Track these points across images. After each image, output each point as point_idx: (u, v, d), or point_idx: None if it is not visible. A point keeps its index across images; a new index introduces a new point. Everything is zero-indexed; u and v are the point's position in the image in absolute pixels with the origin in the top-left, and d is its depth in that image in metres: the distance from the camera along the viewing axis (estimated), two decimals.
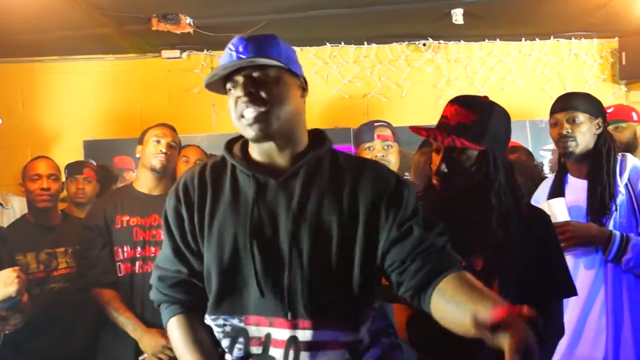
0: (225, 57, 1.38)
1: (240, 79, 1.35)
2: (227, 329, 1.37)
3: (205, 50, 4.32)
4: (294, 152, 1.40)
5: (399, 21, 3.94)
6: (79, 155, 4.04)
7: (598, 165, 2.14)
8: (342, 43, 4.33)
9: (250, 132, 1.35)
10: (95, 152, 4.12)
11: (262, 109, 1.32)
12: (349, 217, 1.35)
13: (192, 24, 3.70)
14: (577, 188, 2.20)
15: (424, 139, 3.31)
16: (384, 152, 2.51)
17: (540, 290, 1.65)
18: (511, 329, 1.06)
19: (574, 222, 2.07)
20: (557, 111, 2.23)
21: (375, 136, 2.53)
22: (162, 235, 1.48)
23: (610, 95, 4.36)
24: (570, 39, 4.38)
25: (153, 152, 2.65)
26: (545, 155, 4.10)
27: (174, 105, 4.25)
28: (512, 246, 1.63)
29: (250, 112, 1.32)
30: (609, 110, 2.36)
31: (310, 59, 4.37)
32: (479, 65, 4.40)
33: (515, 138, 1.83)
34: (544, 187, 2.35)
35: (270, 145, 1.39)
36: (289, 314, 1.32)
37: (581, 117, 2.17)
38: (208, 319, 1.41)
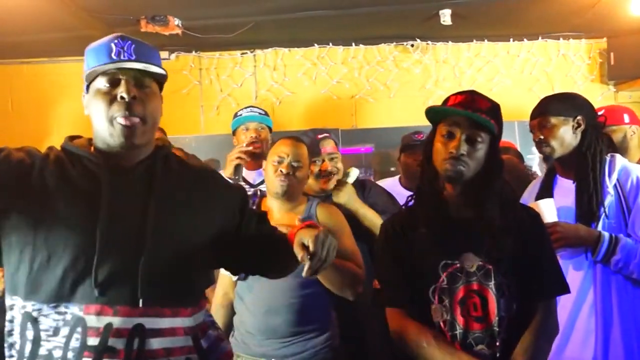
0: (105, 51, 1.38)
1: (124, 78, 1.36)
2: (68, 317, 1.30)
3: (193, 52, 4.31)
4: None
5: (387, 22, 3.95)
6: None
7: (584, 171, 2.13)
8: (330, 44, 4.34)
9: (117, 140, 1.36)
10: None
11: (137, 121, 1.36)
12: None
13: (180, 25, 3.69)
14: (565, 189, 2.20)
15: (407, 143, 3.34)
16: (330, 165, 2.57)
17: (533, 288, 1.67)
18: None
19: (562, 222, 2.08)
20: (532, 118, 2.27)
21: (322, 150, 2.58)
22: None
23: (599, 95, 4.39)
24: (559, 39, 4.40)
25: None
26: (534, 157, 4.12)
27: (163, 106, 4.22)
28: (507, 237, 1.65)
29: (124, 121, 1.34)
30: (600, 112, 2.35)
31: (298, 60, 4.37)
32: (467, 66, 4.41)
33: (504, 139, 1.85)
34: (533, 188, 2.35)
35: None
36: (134, 301, 1.31)
37: (553, 120, 2.18)
38: (41, 307, 1.31)
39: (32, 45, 3.94)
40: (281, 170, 2.19)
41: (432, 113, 1.75)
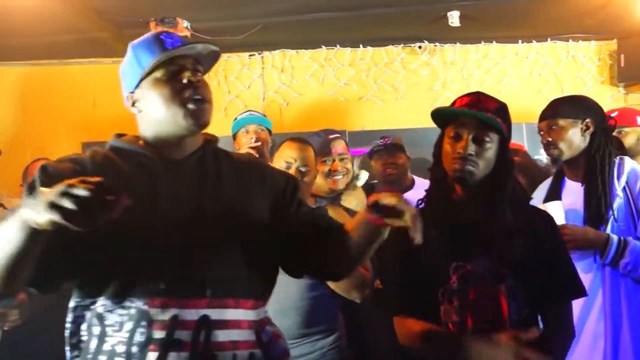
0: (157, 45, 1.41)
1: (186, 65, 1.41)
2: (132, 311, 1.29)
3: None
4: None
5: (394, 24, 3.94)
6: None
7: (593, 174, 2.12)
8: (338, 46, 4.34)
9: (189, 122, 1.38)
10: None
11: (206, 101, 1.41)
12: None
13: (189, 27, 3.70)
14: (574, 191, 2.19)
15: (373, 148, 3.35)
16: (340, 165, 2.58)
17: (548, 292, 1.65)
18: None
19: (570, 225, 2.07)
20: (540, 120, 2.27)
21: (332, 151, 2.59)
22: None
23: (608, 97, 4.35)
24: (568, 41, 4.38)
25: None
26: (542, 159, 4.10)
27: None
28: (519, 240, 1.64)
29: (193, 104, 1.37)
30: (613, 114, 2.34)
31: (306, 62, 4.37)
32: (475, 67, 4.40)
33: (512, 141, 1.85)
34: (541, 190, 2.35)
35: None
36: (199, 292, 1.31)
37: (561, 122, 2.18)
38: (106, 303, 1.32)
39: (42, 47, 3.96)
40: None
41: (439, 115, 1.75)
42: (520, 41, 4.37)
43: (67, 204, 1.01)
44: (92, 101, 4.24)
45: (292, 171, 2.20)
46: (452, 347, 1.56)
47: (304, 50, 4.35)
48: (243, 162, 1.55)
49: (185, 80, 1.38)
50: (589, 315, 2.09)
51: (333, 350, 2.17)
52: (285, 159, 2.23)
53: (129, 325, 1.28)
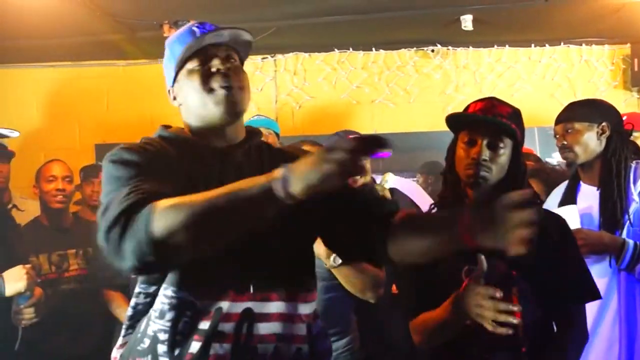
0: (190, 34, 1.42)
1: (216, 53, 1.39)
2: (174, 301, 1.28)
3: None
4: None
5: (407, 27, 3.95)
6: (91, 159, 4.07)
7: (609, 178, 2.11)
8: (351, 49, 4.34)
9: (219, 110, 1.36)
10: None
11: (237, 86, 1.37)
12: None
13: None
14: (589, 195, 2.18)
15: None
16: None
17: (561, 294, 1.65)
18: None
19: (586, 229, 2.06)
20: (556, 123, 2.26)
21: None
22: None
23: (622, 102, 4.33)
24: (581, 45, 4.36)
25: None
26: (553, 161, 4.08)
27: None
28: (536, 244, 1.64)
29: (223, 90, 1.35)
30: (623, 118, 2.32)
31: (319, 65, 4.39)
32: (488, 71, 4.39)
33: (524, 145, 1.85)
34: (556, 194, 2.33)
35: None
36: (245, 286, 1.29)
37: (577, 126, 2.16)
38: (155, 289, 1.32)
39: (57, 49, 4.00)
40: None
41: (453, 120, 1.75)
42: (533, 45, 4.36)
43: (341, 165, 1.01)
44: (105, 103, 4.28)
45: None
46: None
47: (316, 53, 4.36)
48: (287, 153, 1.51)
49: (214, 69, 1.37)
50: (603, 319, 2.08)
51: (346, 353, 2.16)
52: None
53: (170, 315, 1.28)
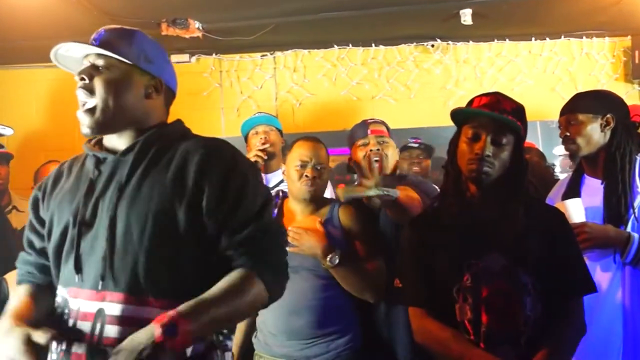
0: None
1: (85, 63, 1.44)
2: (59, 300, 1.39)
3: (214, 54, 4.33)
4: (136, 138, 1.45)
5: (406, 22, 3.93)
6: None
7: (613, 171, 2.09)
8: (350, 45, 4.33)
9: (81, 128, 1.43)
10: None
11: (92, 101, 1.41)
12: (181, 193, 1.35)
13: (201, 28, 3.71)
14: (593, 188, 2.15)
15: (404, 145, 3.43)
16: (379, 147, 2.33)
17: (559, 287, 1.66)
18: None
19: (590, 223, 2.03)
20: (560, 114, 2.24)
21: (369, 131, 2.37)
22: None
23: (623, 94, 4.28)
24: (582, 38, 4.34)
25: None
26: (557, 156, 4.07)
27: (183, 109, 4.26)
28: (531, 237, 1.65)
29: (81, 99, 1.42)
30: None
31: (318, 61, 4.37)
32: (488, 65, 4.37)
33: (526, 139, 1.84)
34: (560, 187, 2.31)
35: (110, 135, 1.47)
36: (99, 286, 1.32)
37: (580, 117, 2.14)
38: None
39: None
40: (306, 175, 2.18)
41: (457, 115, 1.75)
42: (533, 38, 4.34)
43: None
44: None
45: (308, 170, 2.19)
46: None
47: (316, 50, 4.35)
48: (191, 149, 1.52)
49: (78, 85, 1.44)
50: (608, 314, 2.06)
51: (348, 351, 2.14)
52: (300, 158, 2.22)
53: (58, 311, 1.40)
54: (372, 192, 1.90)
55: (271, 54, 4.39)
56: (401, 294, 1.85)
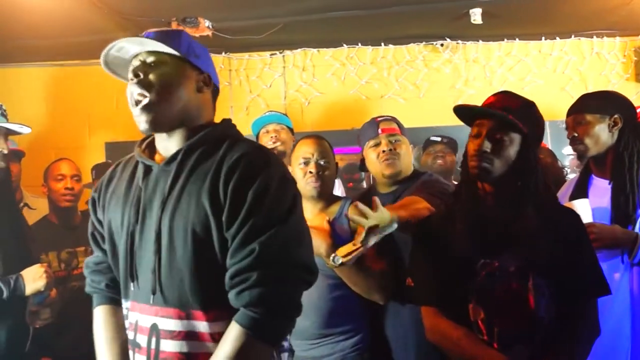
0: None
1: (135, 62, 1.44)
2: (124, 311, 1.46)
3: (223, 53, 4.34)
4: (185, 141, 1.44)
5: (416, 22, 3.92)
6: (101, 157, 4.10)
7: (621, 172, 2.08)
8: (359, 44, 4.33)
9: (139, 124, 1.42)
10: (117, 154, 4.16)
11: (147, 97, 1.39)
12: (213, 203, 1.33)
13: (211, 27, 3.72)
14: (601, 189, 2.15)
15: (427, 140, 3.43)
16: (391, 146, 2.26)
17: (573, 289, 1.65)
18: None
19: (598, 223, 2.03)
20: (567, 115, 2.24)
21: (380, 130, 2.30)
22: None
23: (633, 94, 4.28)
24: (592, 37, 4.31)
25: None
26: (566, 156, 4.05)
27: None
28: (545, 238, 1.64)
29: (137, 96, 1.40)
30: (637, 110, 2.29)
31: (327, 60, 4.38)
32: (498, 65, 4.36)
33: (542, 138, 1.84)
34: (567, 188, 2.31)
35: (161, 135, 1.46)
36: (150, 300, 1.34)
37: (588, 117, 2.14)
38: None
39: (66, 48, 4.01)
40: (310, 172, 2.16)
41: (458, 113, 1.79)
42: (543, 38, 4.32)
43: None
44: (115, 101, 4.29)
45: (311, 166, 2.16)
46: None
47: (325, 49, 4.35)
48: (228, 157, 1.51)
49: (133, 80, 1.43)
50: (616, 315, 2.06)
51: (355, 353, 2.11)
52: (302, 155, 2.19)
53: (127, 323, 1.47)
54: (370, 242, 1.84)
55: (280, 53, 4.40)
56: (413, 293, 1.84)
